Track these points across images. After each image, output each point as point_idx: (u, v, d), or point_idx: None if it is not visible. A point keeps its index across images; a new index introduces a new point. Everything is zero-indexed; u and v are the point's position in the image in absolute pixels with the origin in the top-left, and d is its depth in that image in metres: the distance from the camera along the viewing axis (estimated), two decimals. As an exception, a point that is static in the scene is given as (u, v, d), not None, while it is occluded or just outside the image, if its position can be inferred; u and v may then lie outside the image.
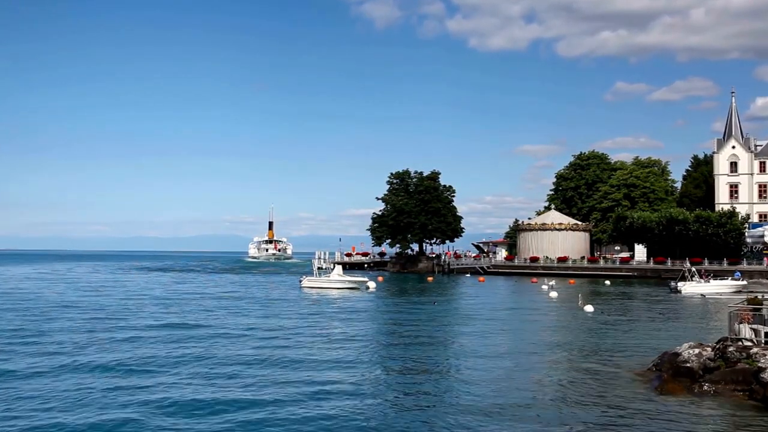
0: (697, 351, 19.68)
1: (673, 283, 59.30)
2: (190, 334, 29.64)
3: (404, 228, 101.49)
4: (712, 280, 58.67)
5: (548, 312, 42.71)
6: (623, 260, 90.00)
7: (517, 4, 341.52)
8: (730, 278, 62.26)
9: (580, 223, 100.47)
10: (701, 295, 54.49)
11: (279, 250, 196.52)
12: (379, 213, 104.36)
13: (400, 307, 45.66)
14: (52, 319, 35.02)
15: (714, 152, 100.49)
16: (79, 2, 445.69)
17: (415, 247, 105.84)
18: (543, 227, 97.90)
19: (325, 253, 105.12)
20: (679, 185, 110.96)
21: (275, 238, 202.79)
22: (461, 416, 16.07)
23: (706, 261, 77.94)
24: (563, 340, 29.31)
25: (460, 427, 15.22)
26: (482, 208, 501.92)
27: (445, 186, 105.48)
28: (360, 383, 19.69)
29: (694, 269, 60.78)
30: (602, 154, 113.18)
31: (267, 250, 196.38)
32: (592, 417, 16.02)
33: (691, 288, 56.17)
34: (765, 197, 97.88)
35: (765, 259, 79.76)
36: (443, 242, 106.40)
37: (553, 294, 54.12)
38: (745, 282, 57.24)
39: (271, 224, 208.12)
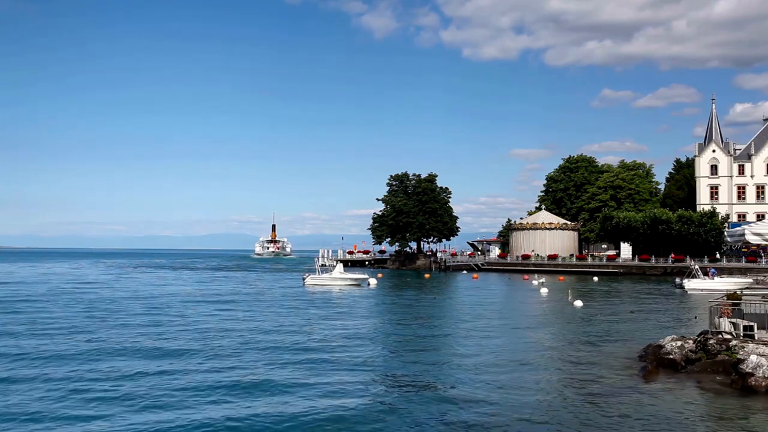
0: (679, 343, 19.58)
1: (678, 280, 58.90)
2: (213, 328, 29.53)
3: (403, 227, 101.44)
4: (716, 278, 57.85)
5: (539, 306, 42.47)
6: (610, 258, 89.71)
7: (506, 16, 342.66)
8: (737, 276, 61.72)
9: (569, 222, 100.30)
10: (682, 289, 54.26)
11: (279, 248, 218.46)
12: (380, 213, 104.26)
13: (399, 302, 45.50)
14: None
15: (695, 156, 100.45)
16: (99, 15, 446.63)
17: (414, 245, 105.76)
18: (534, 226, 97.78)
19: (328, 252, 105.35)
20: (662, 187, 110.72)
21: (276, 238, 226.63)
22: (452, 400, 15.94)
23: (688, 258, 77.59)
24: (553, 332, 29.17)
25: (452, 410, 15.06)
26: (477, 209, 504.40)
27: (441, 187, 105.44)
28: (361, 372, 19.56)
29: (698, 267, 60.38)
30: (590, 157, 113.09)
31: (269, 248, 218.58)
32: (579, 402, 15.92)
33: (694, 285, 55.45)
34: (743, 198, 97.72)
35: (744, 257, 79.39)
36: (440, 241, 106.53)
37: (544, 290, 53.87)
38: (750, 279, 56.58)
39: (273, 226, 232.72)
